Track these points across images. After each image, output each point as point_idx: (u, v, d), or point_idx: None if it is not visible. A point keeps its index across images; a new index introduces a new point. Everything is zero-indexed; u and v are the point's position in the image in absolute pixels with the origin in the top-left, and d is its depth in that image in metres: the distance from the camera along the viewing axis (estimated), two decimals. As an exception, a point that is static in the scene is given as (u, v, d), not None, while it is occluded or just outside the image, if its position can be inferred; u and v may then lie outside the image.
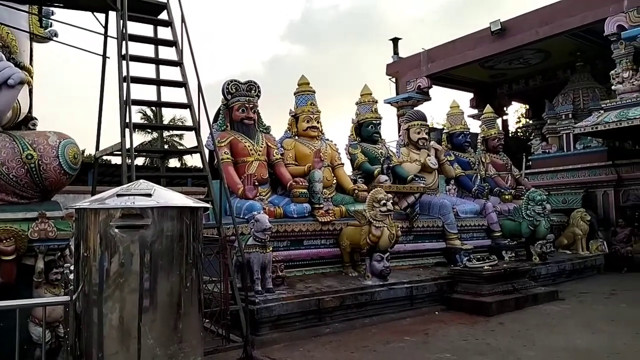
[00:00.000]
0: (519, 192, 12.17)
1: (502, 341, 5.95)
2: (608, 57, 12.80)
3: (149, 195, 3.19)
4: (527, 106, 21.90)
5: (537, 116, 18.84)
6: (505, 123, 21.23)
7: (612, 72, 12.40)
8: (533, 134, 19.04)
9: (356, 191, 8.84)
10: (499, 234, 10.51)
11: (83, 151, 7.74)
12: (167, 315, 3.11)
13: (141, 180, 3.51)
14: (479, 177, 11.79)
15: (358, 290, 7.12)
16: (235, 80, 8.63)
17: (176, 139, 32.87)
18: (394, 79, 18.66)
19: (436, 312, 7.69)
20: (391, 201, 7.62)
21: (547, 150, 16.00)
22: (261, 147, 8.59)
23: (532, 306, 7.89)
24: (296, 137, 9.32)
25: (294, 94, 9.54)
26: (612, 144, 14.52)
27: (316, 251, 7.97)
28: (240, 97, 8.53)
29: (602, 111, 12.18)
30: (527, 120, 22.23)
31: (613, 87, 12.37)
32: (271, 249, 6.68)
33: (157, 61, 6.69)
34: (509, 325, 6.74)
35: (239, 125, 8.58)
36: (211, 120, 6.89)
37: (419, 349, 5.76)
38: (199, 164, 6.21)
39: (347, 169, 9.96)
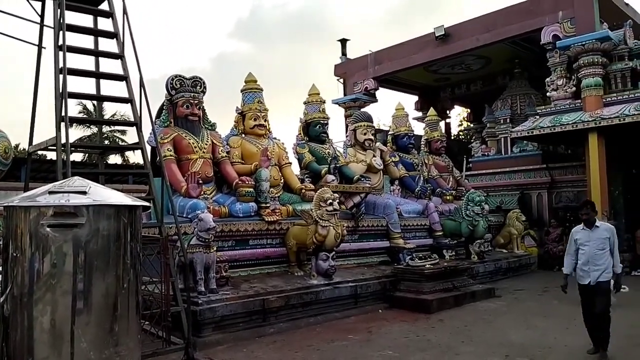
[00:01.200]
0: (459, 193, 12.59)
1: (442, 337, 6.13)
2: (544, 65, 13.48)
3: (84, 192, 3.05)
4: (469, 110, 22.74)
5: (478, 120, 19.60)
6: (447, 126, 21.92)
7: (548, 79, 13.08)
8: (474, 137, 19.77)
9: (303, 190, 8.85)
10: (440, 233, 10.83)
11: (16, 146, 7.32)
12: (102, 318, 2.99)
13: (76, 177, 3.36)
14: (422, 178, 12.11)
15: (303, 290, 7.13)
16: (180, 76, 8.42)
17: (118, 134, 31.67)
18: (341, 80, 18.83)
19: (380, 310, 7.82)
20: (337, 201, 7.68)
21: (486, 153, 16.66)
22: (206, 144, 8.42)
23: (471, 303, 8.19)
24: (243, 135, 9.22)
25: (241, 91, 9.43)
26: (547, 148, 15.32)
27: (262, 251, 7.91)
28: (185, 93, 8.33)
29: (537, 116, 12.81)
30: (468, 123, 23.08)
31: (548, 94, 13.05)
32: (215, 248, 6.56)
33: (96, 53, 6.40)
34: (449, 322, 6.96)
35: (183, 122, 8.37)
36: (154, 115, 6.69)
37: (362, 347, 5.84)
38: (142, 161, 5.98)
39: (295, 169, 9.97)
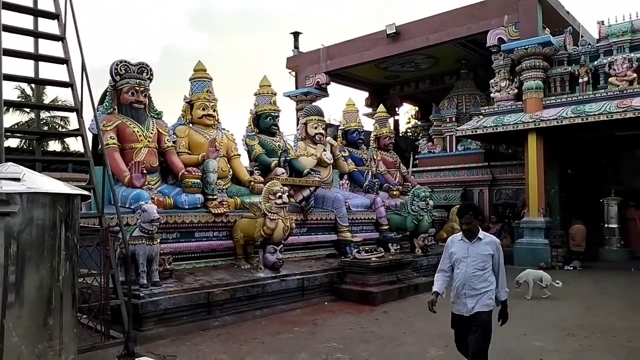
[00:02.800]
0: (406, 188, 12.86)
1: (386, 329, 6.27)
2: (489, 66, 14.00)
3: (18, 179, 2.89)
4: (417, 108, 23.30)
5: (425, 118, 20.11)
6: (396, 123, 22.37)
7: (492, 80, 13.59)
8: (421, 135, 20.26)
9: (252, 183, 8.77)
10: (386, 227, 11.04)
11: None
12: (35, 311, 2.86)
13: (9, 164, 3.18)
14: (370, 173, 12.28)
15: (250, 283, 7.08)
16: (126, 61, 8.10)
17: (59, 121, 30.19)
18: (293, 73, 18.79)
19: (326, 303, 7.90)
20: (287, 194, 7.67)
21: (432, 150, 17.14)
22: (151, 133, 8.15)
23: (414, 295, 8.42)
24: (190, 125, 9.01)
25: (190, 79, 9.21)
26: (489, 147, 15.94)
27: (208, 243, 7.78)
28: (130, 79, 8.02)
29: (481, 116, 13.30)
30: (416, 121, 23.62)
31: (492, 95, 13.56)
32: (159, 240, 6.39)
33: (35, 34, 6.04)
34: (393, 314, 7.12)
35: (128, 109, 8.07)
36: (96, 102, 6.41)
37: (307, 339, 5.87)
38: (82, 149, 5.72)
39: (244, 161, 9.85)
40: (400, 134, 23.37)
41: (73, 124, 26.97)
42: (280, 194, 7.37)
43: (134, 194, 7.08)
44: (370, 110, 20.24)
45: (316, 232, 9.67)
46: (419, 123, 22.13)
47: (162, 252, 6.51)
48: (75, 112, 5.65)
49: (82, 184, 6.31)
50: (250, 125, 10.23)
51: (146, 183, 7.49)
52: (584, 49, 12.32)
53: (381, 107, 14.40)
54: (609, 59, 11.60)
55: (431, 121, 17.85)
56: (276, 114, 10.35)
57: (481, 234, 4.02)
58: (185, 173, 7.89)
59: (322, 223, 9.77)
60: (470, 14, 13.95)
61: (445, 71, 18.48)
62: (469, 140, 15.39)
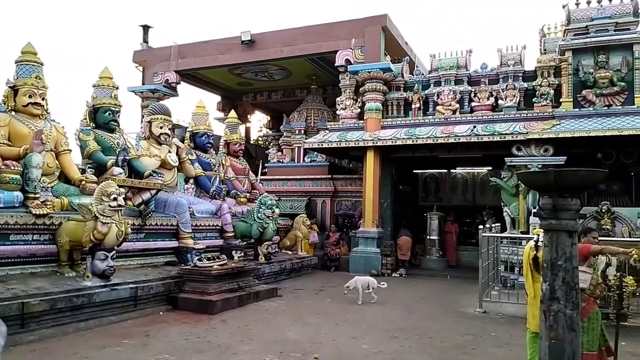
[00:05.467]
0: (253, 195, 12.93)
1: (222, 338, 6.17)
2: (336, 84, 14.78)
3: None
4: (269, 117, 23.61)
5: (276, 128, 20.50)
6: (248, 130, 22.41)
7: (338, 98, 14.38)
8: (271, 144, 20.57)
9: (83, 182, 8.00)
10: (231, 234, 10.94)
11: None
12: None
13: None
14: (218, 178, 12.08)
15: (74, 292, 6.42)
16: None
17: None
18: (141, 68, 17.72)
19: (161, 313, 7.51)
20: (123, 196, 7.15)
21: (281, 160, 17.51)
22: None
23: (254, 303, 8.45)
24: (13, 113, 7.89)
25: (15, 62, 8.10)
26: (333, 161, 16.82)
27: (26, 248, 6.89)
28: None
29: (327, 131, 13.98)
30: (268, 130, 23.91)
31: (338, 112, 14.33)
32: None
33: None
34: (231, 322, 7.05)
35: None
36: None
37: (137, 351, 5.51)
38: None
39: (76, 157, 8.94)
40: (252, 142, 23.44)
41: None
42: (115, 195, 6.84)
43: None
44: (222, 114, 19.96)
45: (155, 238, 9.17)
46: (270, 132, 22.44)
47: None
48: None
49: None
50: (85, 118, 9.31)
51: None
52: (418, 78, 13.69)
53: (233, 113, 14.30)
54: (437, 89, 13.05)
55: (281, 131, 18.24)
56: (117, 109, 9.61)
57: None
58: (3, 167, 6.91)
59: (163, 229, 9.30)
60: (322, 33, 14.62)
61: (297, 84, 19.06)
62: (315, 152, 16.07)
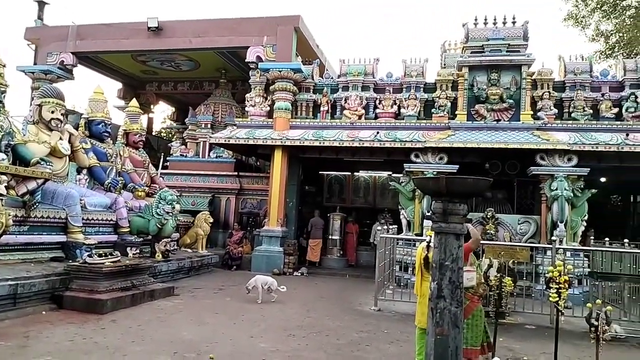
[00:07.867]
0: (153, 190, 12.38)
1: (112, 338, 5.84)
2: (246, 80, 14.62)
3: None
4: (174, 109, 22.80)
5: (181, 120, 19.84)
6: (150, 121, 21.44)
7: (248, 95, 14.22)
8: (175, 137, 19.88)
9: (-44, 167, 7.17)
10: (126, 229, 10.39)
11: None
12: None
13: None
14: (114, 170, 11.42)
15: (-62, 290, 5.73)
16: None
17: None
18: (33, 46, 16.26)
19: (44, 312, 6.94)
20: (6, 184, 6.51)
21: (185, 154, 16.98)
22: None
23: (149, 302, 8.08)
24: None
25: None
26: (240, 158, 16.60)
27: None
28: None
29: (235, 127, 13.77)
30: (172, 122, 23.10)
31: (246, 109, 14.17)
32: None
33: None
34: (122, 322, 6.69)
35: None
36: None
37: (14, 354, 5.04)
38: None
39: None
40: (154, 133, 22.46)
41: None
42: (-5, 183, 6.22)
43: None
44: (122, 103, 18.91)
45: (40, 231, 8.46)
46: (174, 124, 21.69)
47: None
48: None
49: None
50: (-38, 97, 8.39)
51: None
52: (327, 81, 13.94)
53: (134, 102, 13.60)
54: (345, 94, 13.39)
55: (186, 124, 17.68)
56: (2, 89, 8.74)
57: None
58: None
59: (49, 222, 8.60)
60: (234, 27, 14.40)
61: (205, 77, 18.59)
62: (222, 148, 15.77)
